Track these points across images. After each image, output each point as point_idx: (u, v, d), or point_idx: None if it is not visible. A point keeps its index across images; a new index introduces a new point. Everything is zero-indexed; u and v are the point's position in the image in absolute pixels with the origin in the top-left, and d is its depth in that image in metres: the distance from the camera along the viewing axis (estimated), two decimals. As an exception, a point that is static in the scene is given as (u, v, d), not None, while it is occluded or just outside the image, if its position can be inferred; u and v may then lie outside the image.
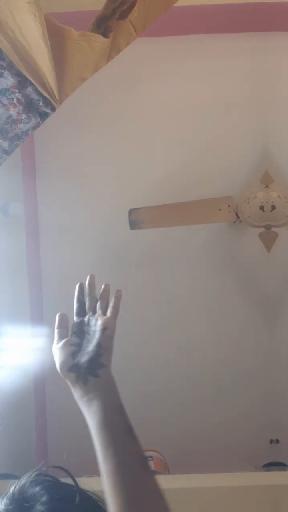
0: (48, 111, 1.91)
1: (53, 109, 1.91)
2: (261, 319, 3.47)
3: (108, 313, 1.34)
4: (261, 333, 3.47)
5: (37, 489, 0.97)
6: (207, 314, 3.44)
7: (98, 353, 1.21)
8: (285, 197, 3.01)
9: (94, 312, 1.37)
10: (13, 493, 0.98)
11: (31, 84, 1.76)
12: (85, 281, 1.46)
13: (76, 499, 0.97)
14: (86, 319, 1.36)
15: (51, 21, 1.63)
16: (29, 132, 2.00)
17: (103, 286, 1.45)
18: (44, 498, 0.94)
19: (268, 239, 3.10)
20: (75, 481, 1.01)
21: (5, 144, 1.97)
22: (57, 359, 1.23)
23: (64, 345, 1.25)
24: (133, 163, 3.34)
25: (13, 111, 1.82)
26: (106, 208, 3.34)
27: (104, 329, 1.26)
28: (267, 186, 3.02)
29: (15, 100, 1.78)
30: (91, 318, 1.35)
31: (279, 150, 3.26)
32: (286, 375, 3.39)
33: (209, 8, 2.93)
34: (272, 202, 3.00)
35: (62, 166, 3.36)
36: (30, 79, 1.73)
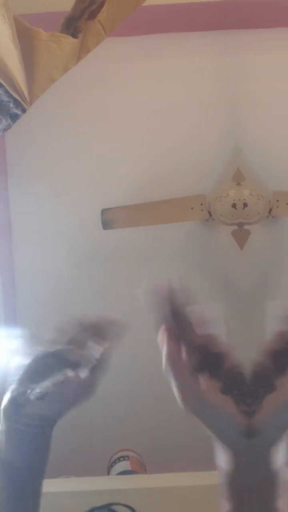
0: (19, 112, 1.91)
1: (23, 110, 1.90)
2: (235, 317, 3.48)
3: None
4: (234, 330, 3.48)
5: None
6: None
7: None
8: (257, 195, 3.03)
9: None
10: None
11: (1, 85, 1.75)
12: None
13: None
14: None
15: (20, 23, 1.63)
16: (0, 134, 2.00)
17: None
18: None
19: (241, 236, 3.11)
20: None
21: (-24, 146, 1.97)
22: None
23: None
24: (105, 163, 3.35)
25: (-17, 113, 1.82)
26: (79, 208, 3.34)
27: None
28: (239, 183, 3.03)
29: (-15, 102, 1.78)
30: None
31: (250, 148, 3.27)
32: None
33: (177, 7, 2.93)
34: (244, 199, 3.01)
35: (34, 167, 3.36)
36: (0, 80, 1.73)
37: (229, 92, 3.23)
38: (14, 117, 1.95)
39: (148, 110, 3.27)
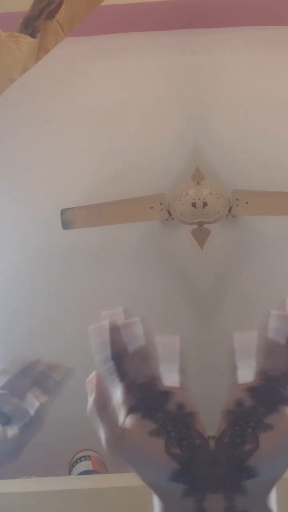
0: (-22, 112, 1.90)
1: (-18, 110, 1.90)
2: (195, 316, 3.49)
3: None
4: (194, 330, 3.50)
5: None
6: (143, 312, 3.45)
7: None
8: (217, 194, 3.04)
9: None
10: None
11: None
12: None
13: None
14: None
15: (-22, 22, 1.62)
16: None
17: None
18: None
19: (201, 236, 3.12)
20: None
21: None
22: None
23: None
24: (65, 162, 3.34)
25: None
26: (38, 207, 3.33)
27: None
28: (198, 183, 3.04)
29: None
30: None
31: (209, 147, 3.28)
32: (219, 373, 3.42)
33: (137, 6, 2.94)
34: (204, 198, 3.02)
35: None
36: None
37: (189, 91, 3.24)
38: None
39: (107, 110, 3.27)
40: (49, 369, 1.02)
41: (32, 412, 0.93)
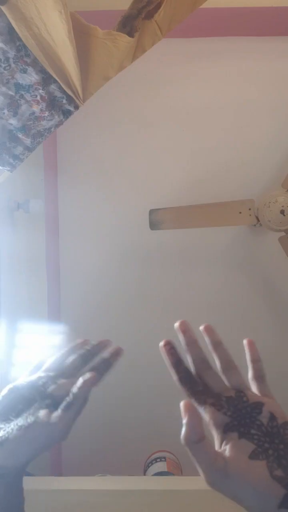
0: (72, 109, 1.91)
1: (76, 107, 1.91)
2: (279, 324, 3.46)
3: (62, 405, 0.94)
4: (276, 337, 3.46)
5: None
6: (224, 316, 3.44)
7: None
8: (307, 202, 3.00)
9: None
10: None
11: (55, 81, 1.76)
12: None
13: None
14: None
15: (77, 19, 1.63)
16: (52, 129, 2.00)
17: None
18: None
19: (288, 243, 3.09)
20: None
21: (28, 141, 1.97)
22: None
23: None
24: (156, 163, 3.35)
25: (36, 108, 1.82)
26: (127, 207, 3.35)
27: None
28: (288, 190, 3.01)
29: (38, 97, 1.78)
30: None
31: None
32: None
33: (236, 11, 2.93)
34: (293, 206, 2.99)
35: (84, 164, 3.37)
36: (54, 76, 1.73)
37: (283, 97, 3.22)
38: (67, 114, 1.95)
39: (204, 113, 3.27)
40: (97, 347, 1.05)
41: (75, 390, 0.93)
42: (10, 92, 1.73)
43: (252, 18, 2.99)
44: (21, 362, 3.07)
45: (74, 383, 0.95)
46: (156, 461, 2.99)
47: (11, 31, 1.53)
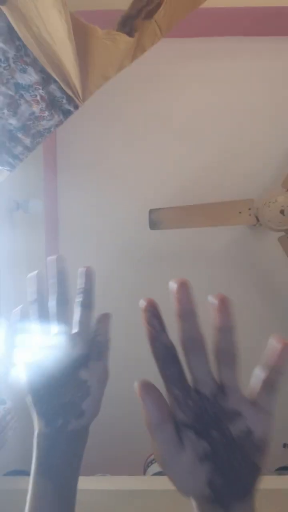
0: (71, 108, 1.91)
1: (76, 107, 1.91)
2: (278, 323, 3.46)
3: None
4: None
5: None
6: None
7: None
8: (306, 202, 3.00)
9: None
10: None
11: (55, 81, 1.76)
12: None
13: None
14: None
15: (77, 19, 1.63)
16: (52, 129, 2.01)
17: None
18: None
19: (288, 243, 3.09)
20: None
21: (27, 141, 1.97)
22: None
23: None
24: (155, 163, 3.35)
25: (36, 108, 1.83)
26: (127, 207, 3.35)
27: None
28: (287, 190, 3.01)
29: (38, 97, 1.78)
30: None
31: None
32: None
33: (238, 11, 2.93)
34: (293, 206, 2.99)
35: (83, 164, 3.37)
36: (54, 76, 1.73)
37: (283, 97, 3.22)
38: (67, 113, 1.96)
39: (203, 113, 3.28)
40: (61, 284, 1.02)
41: (100, 338, 0.99)
42: (10, 92, 1.73)
43: (252, 18, 2.99)
44: (21, 362, 3.07)
45: (83, 331, 0.97)
46: (155, 461, 2.99)
47: (10, 31, 1.53)
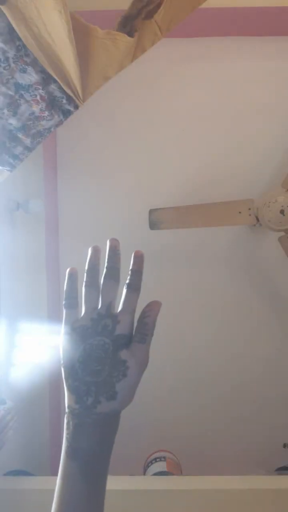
0: (71, 108, 1.91)
1: (76, 107, 1.91)
2: (277, 323, 3.46)
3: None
4: (276, 337, 3.47)
5: None
6: (223, 316, 3.45)
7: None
8: (306, 202, 3.00)
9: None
10: None
11: (55, 81, 1.76)
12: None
13: None
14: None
15: (77, 19, 1.63)
16: (52, 129, 2.01)
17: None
18: None
19: (288, 243, 3.09)
20: None
21: (27, 141, 1.97)
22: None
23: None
24: (155, 163, 3.35)
25: (36, 108, 1.82)
26: (127, 207, 3.35)
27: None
28: (287, 190, 3.01)
29: (38, 97, 1.78)
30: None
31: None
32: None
33: (238, 11, 2.93)
34: (293, 206, 2.99)
35: (84, 164, 3.37)
36: (54, 76, 1.73)
37: (283, 98, 3.22)
38: (67, 113, 1.96)
39: (203, 113, 3.28)
40: (114, 258, 1.10)
41: (148, 320, 1.00)
42: (10, 92, 1.73)
43: (252, 18, 2.98)
44: (21, 362, 3.07)
45: (128, 312, 0.99)
46: (156, 461, 2.99)
47: (11, 31, 1.53)
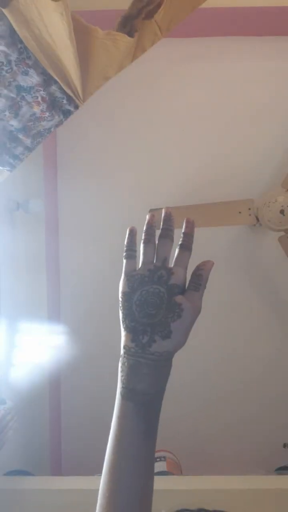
0: (71, 109, 1.91)
1: (76, 107, 1.91)
2: (277, 323, 3.46)
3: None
4: (276, 337, 3.47)
5: None
6: (224, 315, 3.44)
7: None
8: (306, 202, 3.00)
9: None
10: None
11: (56, 82, 1.76)
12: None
13: None
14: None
15: (77, 20, 1.62)
16: (52, 129, 2.01)
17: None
18: None
19: (288, 243, 3.09)
20: None
21: (28, 141, 1.97)
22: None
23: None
24: (155, 162, 3.35)
25: (37, 109, 1.82)
26: (127, 207, 3.35)
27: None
28: (287, 190, 3.01)
29: (39, 98, 1.78)
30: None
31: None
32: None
33: (238, 11, 2.93)
34: (293, 206, 2.99)
35: (84, 164, 3.37)
36: (55, 77, 1.73)
37: (283, 98, 3.22)
38: (67, 114, 1.96)
39: (203, 113, 3.28)
40: (169, 221, 1.17)
41: (203, 273, 1.09)
42: (12, 95, 1.73)
43: (252, 18, 2.98)
44: (21, 362, 3.07)
45: (181, 266, 1.07)
46: (156, 461, 2.99)
47: (12, 34, 1.53)
